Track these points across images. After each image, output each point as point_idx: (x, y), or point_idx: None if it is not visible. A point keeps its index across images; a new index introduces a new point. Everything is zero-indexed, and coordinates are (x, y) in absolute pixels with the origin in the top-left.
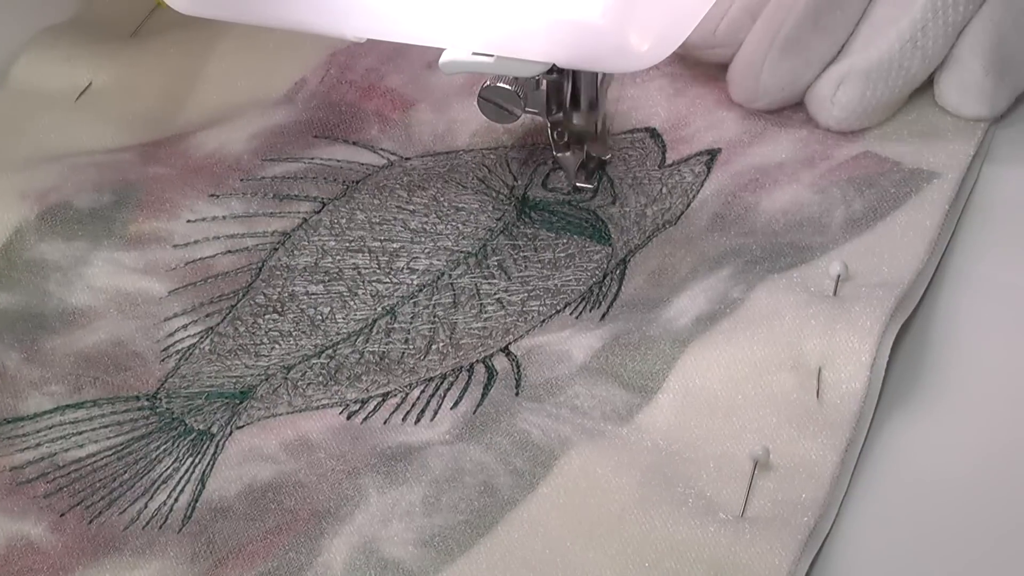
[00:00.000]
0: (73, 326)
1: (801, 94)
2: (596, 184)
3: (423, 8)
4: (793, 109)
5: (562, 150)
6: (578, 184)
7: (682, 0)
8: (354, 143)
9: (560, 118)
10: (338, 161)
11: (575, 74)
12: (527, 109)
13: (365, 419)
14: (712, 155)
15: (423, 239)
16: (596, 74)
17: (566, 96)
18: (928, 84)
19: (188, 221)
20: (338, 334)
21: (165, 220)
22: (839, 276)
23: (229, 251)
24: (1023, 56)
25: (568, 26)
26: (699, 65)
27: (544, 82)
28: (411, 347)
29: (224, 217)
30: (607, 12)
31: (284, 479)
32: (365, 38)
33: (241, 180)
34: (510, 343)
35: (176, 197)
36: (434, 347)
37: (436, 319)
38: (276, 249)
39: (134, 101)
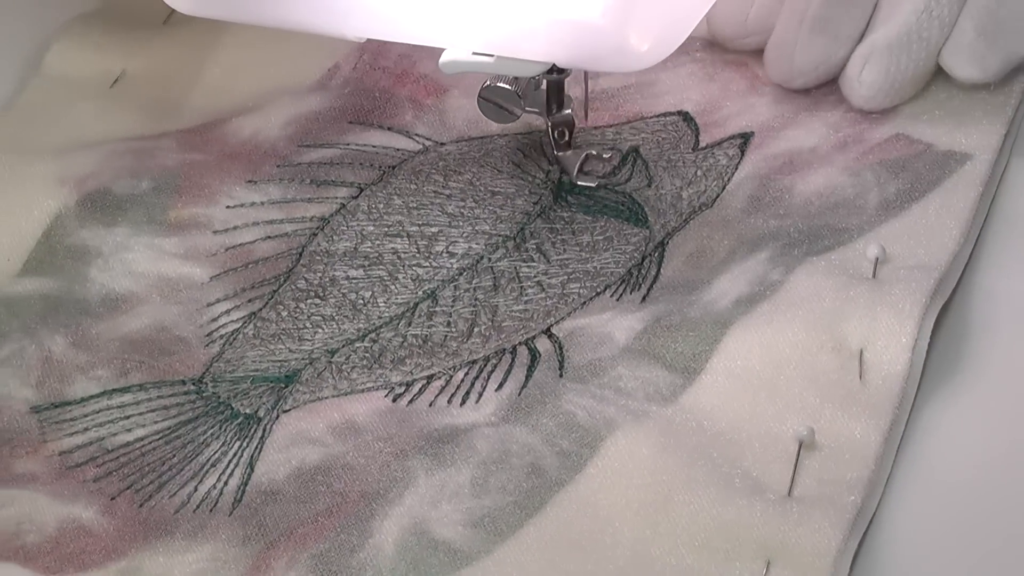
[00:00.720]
0: (116, 311)
1: (836, 71)
2: (596, 182)
3: (423, 8)
4: (825, 92)
5: (562, 149)
6: (580, 182)
7: (682, 0)
8: (389, 128)
9: (560, 118)
10: (373, 147)
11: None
12: (527, 109)
13: (411, 401)
14: (745, 138)
15: (461, 223)
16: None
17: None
18: None
19: (227, 207)
20: (380, 318)
21: (204, 206)
22: (877, 258)
23: (269, 236)
24: (1019, 21)
25: (568, 26)
26: (729, 51)
27: (544, 82)
28: (453, 330)
29: (263, 203)
30: (607, 12)
31: (332, 462)
32: (365, 38)
33: (278, 166)
34: (552, 325)
35: (214, 183)
36: (476, 330)
37: (477, 302)
38: (315, 234)
39: (168, 88)
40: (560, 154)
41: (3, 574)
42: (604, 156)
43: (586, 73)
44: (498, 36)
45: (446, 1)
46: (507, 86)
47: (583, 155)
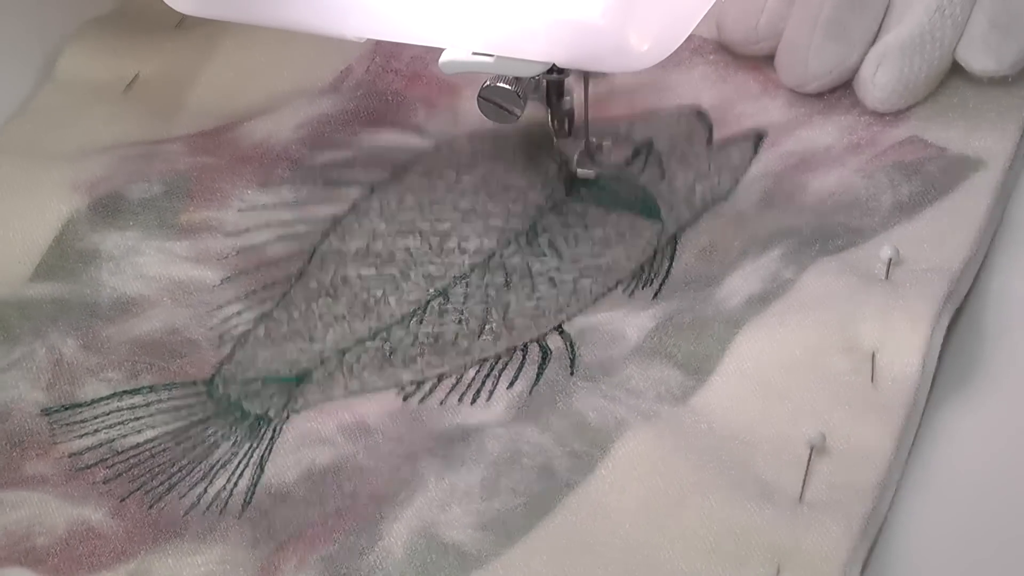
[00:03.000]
0: (128, 314)
1: (850, 73)
2: (598, 173)
3: (423, 8)
4: (839, 95)
5: (563, 137)
6: (580, 172)
7: (682, 0)
8: (401, 129)
9: (561, 109)
10: (385, 147)
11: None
12: (529, 97)
13: (421, 400)
14: (759, 137)
15: (473, 219)
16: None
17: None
18: None
19: (239, 210)
20: (391, 317)
21: (216, 209)
22: (891, 260)
23: (280, 238)
24: None
25: (568, 26)
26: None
27: (544, 82)
28: (465, 328)
29: (274, 205)
30: (607, 12)
31: (343, 463)
32: (365, 38)
33: (290, 169)
34: (563, 322)
35: (226, 186)
36: (487, 327)
37: (488, 299)
38: (327, 235)
39: (181, 92)
40: (560, 142)
41: None
42: (604, 143)
43: (586, 76)
44: (498, 36)
45: (446, 1)
46: (507, 86)
47: (583, 143)
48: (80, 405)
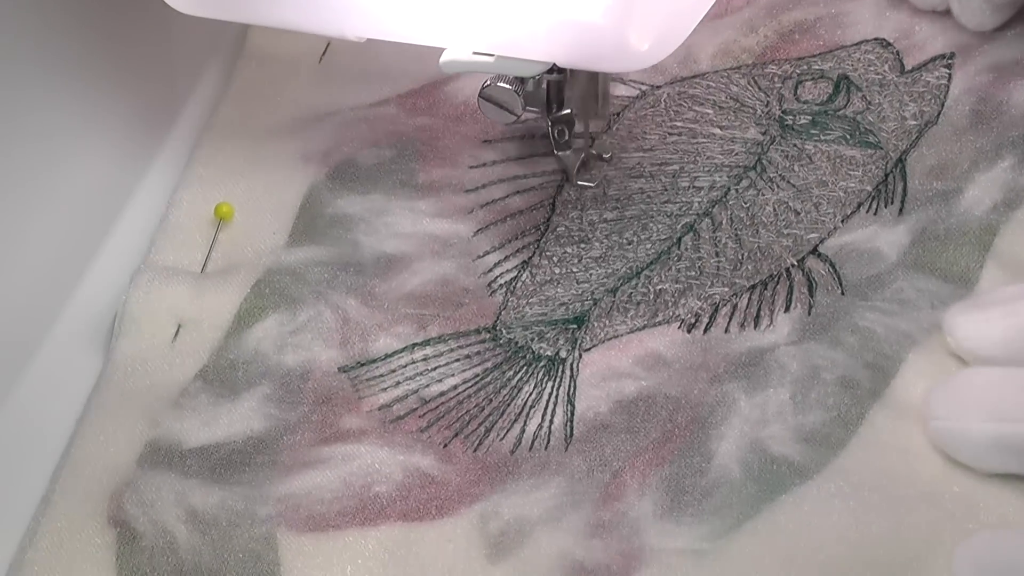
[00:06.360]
0: (394, 270)
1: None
2: (597, 183)
3: (423, 8)
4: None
5: (562, 148)
6: (580, 182)
7: (682, 0)
8: None
9: (560, 117)
10: None
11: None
12: (528, 108)
13: (705, 331)
14: (948, 58)
15: (696, 159)
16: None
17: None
18: None
19: (470, 167)
20: (647, 255)
21: (449, 168)
22: None
23: (518, 191)
24: None
25: (568, 26)
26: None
27: (544, 82)
28: (723, 259)
29: (503, 160)
30: (607, 12)
31: (650, 392)
32: (365, 38)
33: (505, 124)
34: (817, 245)
35: (452, 145)
36: (745, 255)
37: (738, 231)
38: (561, 185)
39: (375, 57)
40: (560, 154)
41: (379, 530)
42: (604, 157)
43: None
44: (499, 36)
45: (446, 1)
46: (507, 86)
47: (582, 156)
48: (375, 360)
